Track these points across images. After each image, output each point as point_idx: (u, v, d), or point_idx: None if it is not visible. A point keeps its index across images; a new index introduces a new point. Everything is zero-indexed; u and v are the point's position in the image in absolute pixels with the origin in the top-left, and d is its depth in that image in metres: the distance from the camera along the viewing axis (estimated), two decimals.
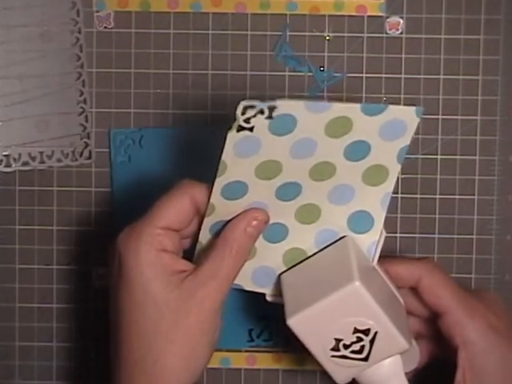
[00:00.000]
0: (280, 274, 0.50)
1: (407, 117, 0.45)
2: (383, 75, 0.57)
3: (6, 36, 0.56)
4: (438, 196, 0.57)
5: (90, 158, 0.57)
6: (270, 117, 0.44)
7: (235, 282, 0.48)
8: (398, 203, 0.57)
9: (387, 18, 0.57)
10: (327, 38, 0.57)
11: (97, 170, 0.57)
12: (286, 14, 0.57)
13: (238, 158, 0.45)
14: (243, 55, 0.57)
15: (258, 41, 0.57)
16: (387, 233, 0.57)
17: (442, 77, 0.57)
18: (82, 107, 0.57)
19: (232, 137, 0.45)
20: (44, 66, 0.56)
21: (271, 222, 0.48)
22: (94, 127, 0.57)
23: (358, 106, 0.45)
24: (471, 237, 0.57)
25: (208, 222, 0.47)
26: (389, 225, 0.57)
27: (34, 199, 0.57)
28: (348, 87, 0.57)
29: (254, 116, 0.44)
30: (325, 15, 0.57)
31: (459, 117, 0.57)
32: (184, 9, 0.57)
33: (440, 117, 0.57)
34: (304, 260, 0.50)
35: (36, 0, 0.56)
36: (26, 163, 0.56)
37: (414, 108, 0.45)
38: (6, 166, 0.56)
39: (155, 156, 0.56)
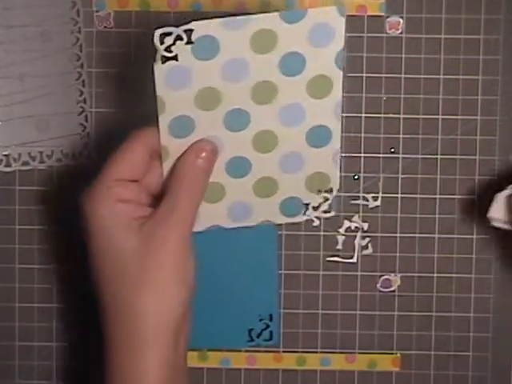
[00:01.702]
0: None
1: (331, 18, 0.45)
2: (383, 75, 0.57)
3: (6, 36, 0.56)
4: (437, 196, 0.57)
5: (89, 158, 0.57)
6: (190, 41, 0.44)
7: (212, 223, 0.49)
8: (398, 203, 0.57)
9: (387, 17, 0.57)
10: None
11: (97, 170, 0.57)
12: None
13: (172, 91, 0.45)
14: None
15: None
16: (387, 233, 0.57)
17: (441, 77, 0.57)
18: (81, 107, 0.57)
19: (159, 69, 0.45)
20: (44, 65, 0.56)
21: (231, 156, 0.48)
22: (94, 127, 0.57)
23: (276, 14, 0.44)
24: (471, 237, 0.57)
25: (167, 166, 0.47)
26: (389, 225, 0.57)
27: (34, 199, 0.57)
28: (348, 87, 0.57)
29: (174, 44, 0.44)
30: None
31: (459, 117, 0.57)
32: (184, 8, 0.57)
33: (440, 117, 0.57)
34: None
35: (36, 0, 0.56)
36: (25, 163, 0.56)
37: (334, 8, 0.45)
38: (5, 166, 0.56)
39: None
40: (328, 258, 0.58)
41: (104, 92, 0.57)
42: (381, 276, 0.58)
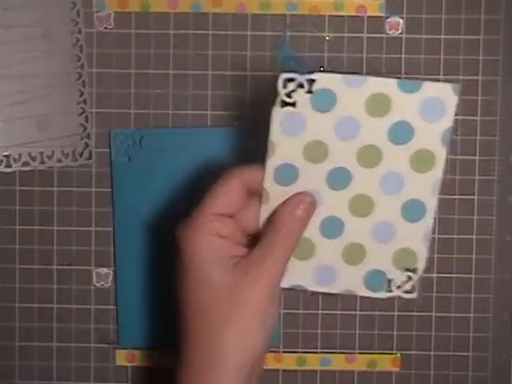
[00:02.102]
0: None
1: (444, 94, 0.46)
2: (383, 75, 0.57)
3: (7, 36, 0.56)
4: (438, 196, 0.57)
5: (90, 158, 0.57)
6: (310, 91, 0.45)
7: (297, 282, 0.49)
8: None
9: (387, 18, 0.57)
10: (327, 38, 0.57)
11: (97, 170, 0.57)
12: (285, 15, 0.57)
13: (285, 136, 0.46)
14: (243, 55, 0.57)
15: (258, 41, 0.57)
16: None
17: (442, 77, 0.57)
18: (82, 107, 0.57)
19: (277, 113, 0.45)
20: (44, 66, 0.56)
21: (327, 214, 0.48)
22: (94, 127, 0.57)
23: (394, 81, 0.45)
24: (471, 237, 0.57)
25: (265, 210, 0.48)
26: None
27: (34, 199, 0.57)
28: None
29: (295, 90, 0.45)
30: (325, 15, 0.57)
31: (459, 117, 0.57)
32: (184, 9, 0.57)
33: None
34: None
35: (36, 0, 0.56)
36: (26, 163, 0.56)
37: (449, 85, 0.45)
38: (6, 167, 0.56)
39: (155, 156, 0.56)
40: None
41: (104, 92, 0.57)
42: None
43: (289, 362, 0.59)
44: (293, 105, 0.45)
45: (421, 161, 0.47)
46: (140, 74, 0.57)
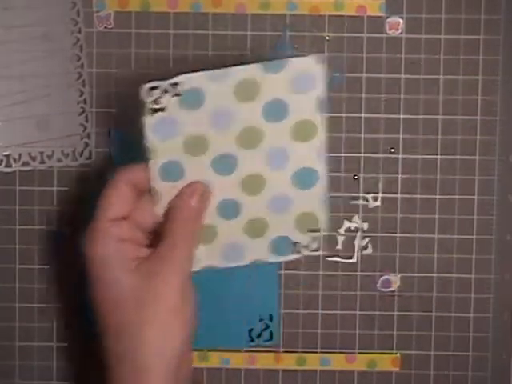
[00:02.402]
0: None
1: (311, 66, 0.48)
2: (383, 75, 0.57)
3: (7, 36, 0.56)
4: (437, 196, 0.57)
5: (90, 158, 0.57)
6: (176, 94, 0.48)
7: (207, 263, 0.51)
8: (398, 203, 0.57)
9: (387, 18, 0.57)
10: (327, 38, 0.57)
11: (97, 170, 0.57)
12: (285, 14, 0.57)
13: (161, 140, 0.49)
14: (243, 55, 0.57)
15: (257, 41, 0.57)
16: (387, 233, 0.57)
17: (441, 77, 0.57)
18: (82, 107, 0.57)
19: (148, 121, 0.48)
20: (44, 66, 0.56)
21: (221, 198, 0.50)
22: (94, 127, 0.57)
23: (258, 65, 0.48)
24: (471, 237, 0.57)
25: (160, 207, 0.49)
26: (388, 225, 0.57)
27: (34, 199, 0.57)
28: (348, 87, 0.57)
29: (161, 96, 0.47)
30: (325, 15, 0.57)
31: (459, 117, 0.57)
32: (184, 9, 0.57)
33: (440, 117, 0.57)
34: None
35: (36, 0, 0.56)
36: (26, 163, 0.56)
37: (313, 56, 0.48)
38: (6, 166, 0.56)
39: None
40: (328, 258, 0.58)
41: (104, 92, 0.57)
42: (381, 276, 0.58)
43: (289, 361, 0.59)
44: (162, 110, 0.48)
45: (301, 131, 0.49)
46: (140, 74, 0.57)
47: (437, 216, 0.57)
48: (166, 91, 0.48)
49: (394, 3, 0.57)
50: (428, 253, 0.57)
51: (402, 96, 0.57)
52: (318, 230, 0.52)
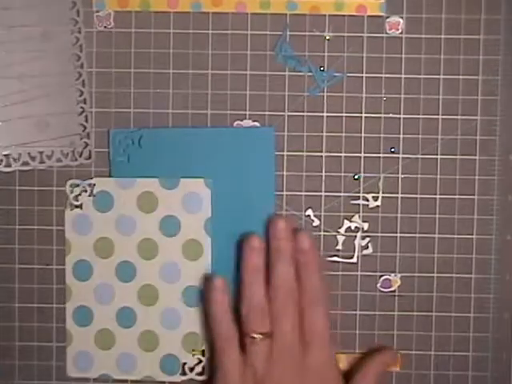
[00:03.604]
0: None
1: (199, 188, 0.53)
2: (383, 75, 0.57)
3: (6, 36, 0.56)
4: (437, 196, 0.57)
5: (89, 157, 0.57)
6: (92, 194, 0.54)
7: (103, 372, 0.55)
8: (398, 203, 0.57)
9: (387, 17, 0.57)
10: (327, 38, 0.57)
11: (97, 169, 0.57)
12: (285, 14, 0.57)
13: (77, 235, 0.54)
14: (243, 55, 0.57)
15: (258, 41, 0.57)
16: (387, 233, 0.57)
17: (441, 77, 0.57)
18: (81, 107, 0.57)
19: (68, 215, 0.54)
20: (44, 65, 0.56)
21: (120, 306, 0.55)
22: (94, 127, 0.57)
23: (156, 180, 0.54)
24: (471, 237, 0.57)
25: (70, 308, 0.55)
26: (389, 225, 0.57)
27: (34, 199, 0.57)
28: (348, 87, 0.57)
29: (80, 194, 0.54)
30: (325, 15, 0.57)
31: (459, 117, 0.57)
32: (184, 8, 0.57)
33: (440, 117, 0.57)
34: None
35: (36, 0, 0.56)
36: (25, 163, 0.56)
37: (202, 180, 0.54)
38: (5, 166, 0.56)
39: (154, 156, 0.56)
40: (328, 258, 0.58)
41: (104, 92, 0.57)
42: (381, 276, 0.58)
43: None
44: (80, 207, 0.54)
45: (190, 249, 0.54)
46: (140, 74, 0.57)
47: (437, 216, 0.57)
48: (84, 190, 0.54)
49: (394, 3, 0.57)
50: (428, 253, 0.57)
51: (402, 96, 0.57)
52: (203, 353, 0.55)
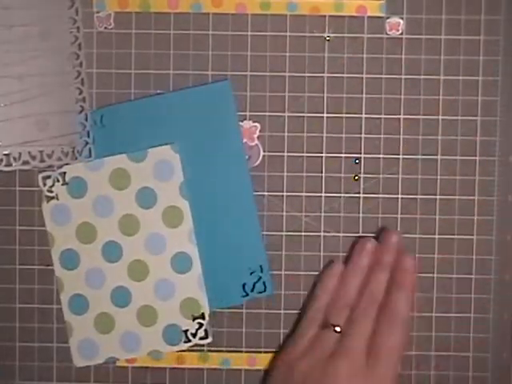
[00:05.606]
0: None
1: (168, 155, 0.54)
2: (383, 75, 0.57)
3: (5, 35, 0.55)
4: (438, 196, 0.57)
5: (90, 156, 0.57)
6: (64, 182, 0.54)
7: (110, 355, 0.56)
8: (398, 203, 0.57)
9: (387, 18, 0.57)
10: (327, 38, 0.57)
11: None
12: (286, 15, 0.57)
13: (58, 226, 0.55)
14: (243, 55, 0.57)
15: (258, 41, 0.57)
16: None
17: (442, 77, 0.57)
18: (81, 106, 0.56)
19: (45, 208, 0.55)
20: (43, 65, 0.56)
21: (114, 286, 0.55)
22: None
23: (124, 156, 0.54)
24: (471, 237, 0.58)
25: (65, 299, 0.55)
26: (389, 225, 0.57)
27: (34, 199, 0.57)
28: (348, 87, 0.57)
29: (53, 185, 0.55)
30: (325, 16, 0.57)
31: (459, 117, 0.57)
32: (184, 9, 0.57)
33: (440, 117, 0.57)
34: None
35: (35, 0, 0.56)
36: (26, 162, 0.56)
37: (169, 146, 0.54)
38: (6, 165, 0.56)
39: (119, 133, 0.56)
40: (328, 259, 0.58)
41: (104, 92, 0.57)
42: None
43: None
44: (55, 198, 0.55)
45: (171, 217, 0.55)
46: (140, 74, 0.57)
47: (437, 216, 0.57)
48: (57, 179, 0.54)
49: (394, 3, 0.57)
50: (428, 253, 0.57)
51: (402, 96, 0.57)
52: (201, 317, 0.56)
